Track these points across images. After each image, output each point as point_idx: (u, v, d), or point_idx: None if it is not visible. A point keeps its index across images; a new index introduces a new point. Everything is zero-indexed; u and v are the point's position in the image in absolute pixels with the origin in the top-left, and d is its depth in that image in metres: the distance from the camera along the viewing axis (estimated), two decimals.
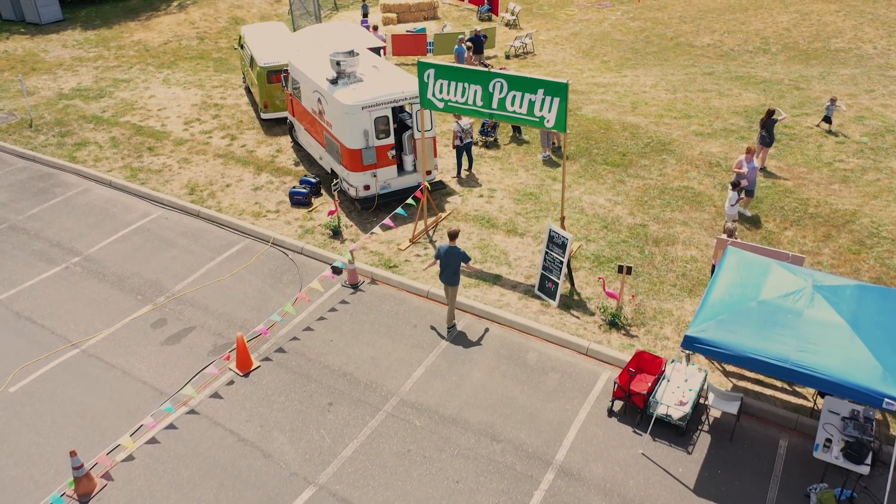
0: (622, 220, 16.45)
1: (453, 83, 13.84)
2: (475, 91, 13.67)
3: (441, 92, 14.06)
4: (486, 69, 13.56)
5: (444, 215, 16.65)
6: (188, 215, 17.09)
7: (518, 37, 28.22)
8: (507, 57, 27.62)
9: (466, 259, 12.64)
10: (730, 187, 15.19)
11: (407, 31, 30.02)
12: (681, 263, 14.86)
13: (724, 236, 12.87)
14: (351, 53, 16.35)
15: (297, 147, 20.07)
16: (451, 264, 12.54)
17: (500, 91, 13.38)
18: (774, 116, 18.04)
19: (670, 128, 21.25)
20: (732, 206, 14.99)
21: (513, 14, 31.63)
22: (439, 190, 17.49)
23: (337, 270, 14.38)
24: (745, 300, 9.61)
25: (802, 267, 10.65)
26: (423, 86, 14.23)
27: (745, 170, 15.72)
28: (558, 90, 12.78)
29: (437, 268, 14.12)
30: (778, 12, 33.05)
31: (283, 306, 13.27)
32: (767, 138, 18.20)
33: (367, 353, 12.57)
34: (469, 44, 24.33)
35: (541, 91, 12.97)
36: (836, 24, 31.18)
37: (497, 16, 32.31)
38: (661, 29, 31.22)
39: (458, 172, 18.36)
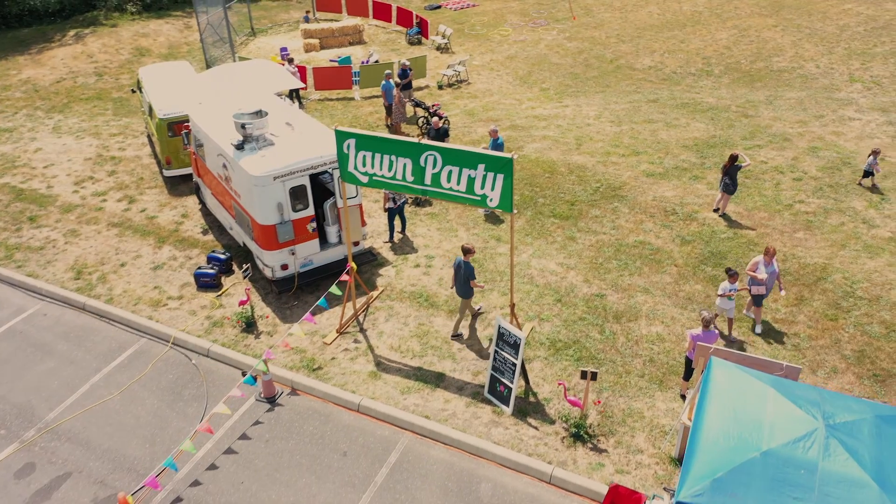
0: (577, 289, 14.63)
1: (378, 155, 11.73)
2: (404, 164, 11.60)
3: (364, 165, 11.93)
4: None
5: (375, 294, 14.51)
6: (72, 309, 14.45)
7: (450, 65, 26.25)
8: (440, 87, 25.63)
9: (471, 276, 12.66)
10: (727, 277, 12.71)
11: (330, 62, 27.73)
12: (646, 345, 13.12)
13: (699, 330, 11.14)
14: (258, 114, 14.04)
15: (206, 210, 17.59)
16: (460, 277, 12.74)
17: (434, 165, 11.35)
18: (738, 163, 16.59)
19: (619, 167, 19.64)
20: (722, 296, 12.67)
21: (444, 37, 29.67)
22: (370, 262, 15.34)
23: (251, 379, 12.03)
24: (745, 449, 7.82)
25: (801, 384, 8.94)
26: (342, 157, 12.07)
27: (762, 275, 12.67)
28: (502, 166, 10.83)
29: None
30: (716, 29, 32.05)
31: (181, 443, 10.89)
32: (731, 186, 16.73)
33: (287, 497, 10.33)
34: (398, 80, 22.21)
35: (481, 166, 11.00)
36: (775, 40, 30.32)
37: (427, 39, 30.30)
38: (600, 50, 29.76)
39: (391, 237, 16.24)
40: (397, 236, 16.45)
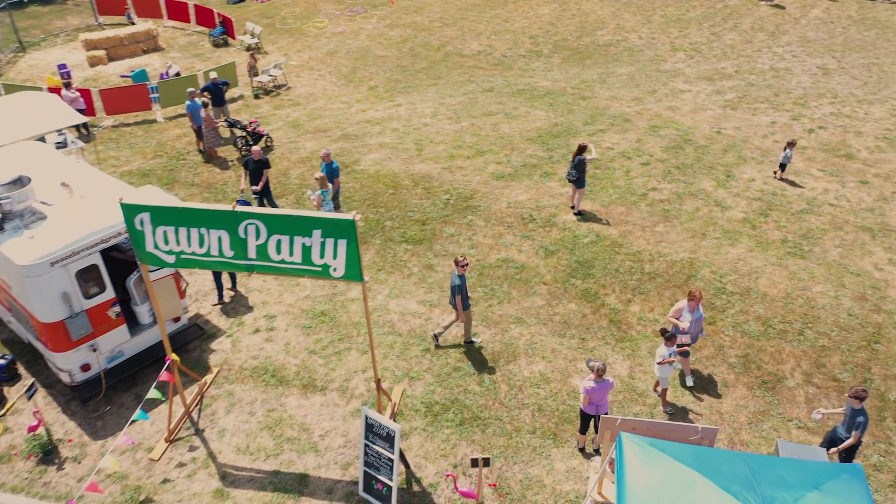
0: (446, 331, 12.93)
1: (183, 230, 9.22)
2: (219, 238, 9.19)
3: (167, 242, 9.37)
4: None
5: (210, 378, 11.99)
6: None
7: (265, 70, 23.41)
8: (257, 96, 22.77)
9: (457, 292, 11.73)
10: (663, 339, 10.83)
11: (121, 77, 23.90)
12: (531, 390, 11.70)
13: (591, 382, 9.78)
14: (18, 182, 10.93)
15: None
16: (452, 291, 11.87)
17: (257, 236, 9.05)
18: (584, 154, 15.55)
19: (466, 173, 18.12)
20: (660, 363, 10.73)
21: (253, 36, 26.62)
22: (198, 337, 12.72)
23: None
24: None
25: (724, 454, 7.77)
26: (136, 236, 9.42)
27: (685, 323, 11.04)
28: (343, 230, 8.76)
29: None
30: (537, 4, 31.35)
31: None
32: (575, 176, 15.69)
33: None
34: (205, 97, 19.20)
35: (317, 232, 8.86)
36: (595, 12, 30.08)
37: (234, 39, 27.07)
38: (425, 37, 28.03)
39: (220, 297, 13.66)
40: (227, 295, 13.90)
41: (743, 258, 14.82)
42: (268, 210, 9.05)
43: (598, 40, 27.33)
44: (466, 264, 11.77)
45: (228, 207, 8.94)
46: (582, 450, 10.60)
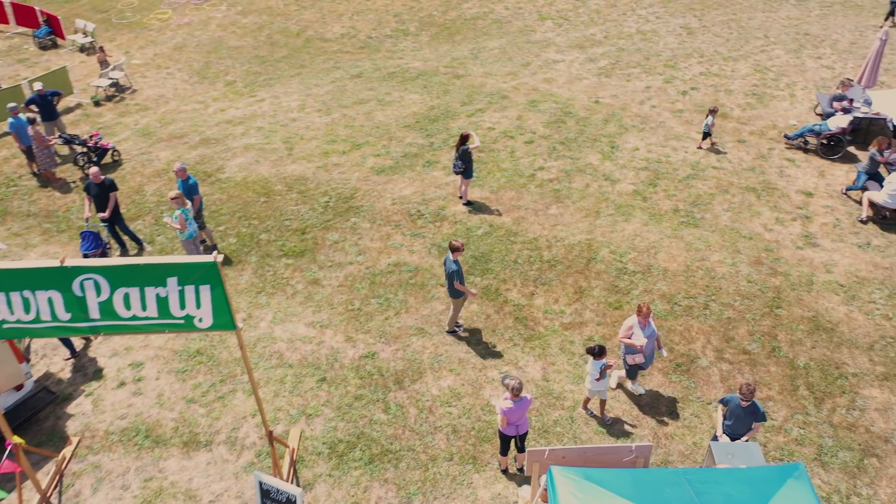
0: (341, 355, 11.70)
1: (1, 296, 7.46)
2: (49, 300, 7.51)
3: None
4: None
5: (69, 451, 10.19)
6: None
7: (103, 73, 20.82)
8: (97, 104, 20.23)
9: (455, 278, 11.06)
10: (589, 357, 10.00)
11: None
12: (443, 410, 10.72)
13: (509, 402, 8.89)
14: None
15: None
16: (447, 277, 11.25)
17: (98, 292, 7.45)
18: (467, 144, 14.61)
19: (344, 170, 16.75)
20: (598, 380, 9.89)
21: (86, 34, 23.74)
22: (50, 403, 10.82)
23: None
24: None
25: (662, 473, 7.08)
26: None
27: (640, 341, 9.98)
28: (204, 275, 7.34)
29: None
30: None
31: None
32: (461, 166, 14.74)
33: None
34: (32, 111, 16.67)
35: (172, 280, 7.39)
36: None
37: (64, 39, 24.05)
38: (282, 22, 26.06)
39: (72, 350, 11.73)
40: (80, 345, 11.97)
41: (639, 233, 14.42)
42: (105, 261, 7.43)
43: (465, 14, 26.38)
44: (463, 248, 11.25)
45: (55, 263, 7.27)
46: (505, 471, 9.76)
